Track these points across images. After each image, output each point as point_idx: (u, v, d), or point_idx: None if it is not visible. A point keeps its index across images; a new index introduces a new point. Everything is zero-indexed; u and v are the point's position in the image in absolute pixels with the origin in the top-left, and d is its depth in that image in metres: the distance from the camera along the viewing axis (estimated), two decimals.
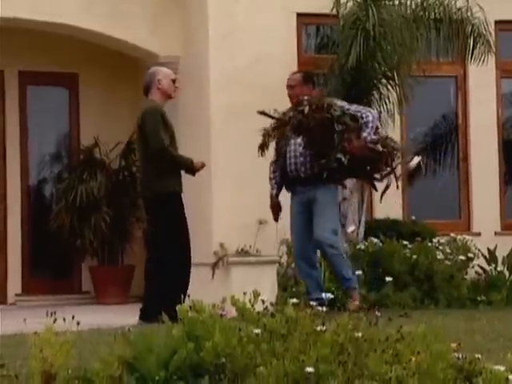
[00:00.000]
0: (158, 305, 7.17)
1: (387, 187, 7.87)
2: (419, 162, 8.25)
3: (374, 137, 7.39)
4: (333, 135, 7.36)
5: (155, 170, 7.40)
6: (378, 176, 7.72)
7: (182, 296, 7.13)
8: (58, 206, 10.71)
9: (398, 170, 7.85)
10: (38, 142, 11.15)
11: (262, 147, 7.83)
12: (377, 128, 7.51)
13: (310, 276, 7.89)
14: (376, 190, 8.05)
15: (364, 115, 7.40)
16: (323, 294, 6.72)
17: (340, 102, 7.63)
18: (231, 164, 9.48)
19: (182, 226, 7.43)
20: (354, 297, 7.68)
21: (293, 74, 8.17)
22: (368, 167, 7.64)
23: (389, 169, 7.61)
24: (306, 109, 7.44)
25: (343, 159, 7.28)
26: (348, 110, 7.47)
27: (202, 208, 8.85)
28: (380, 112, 9.29)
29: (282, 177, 7.97)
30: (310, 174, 7.64)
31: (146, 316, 7.22)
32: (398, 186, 8.27)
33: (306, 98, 7.66)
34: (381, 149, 7.36)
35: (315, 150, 7.51)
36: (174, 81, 7.70)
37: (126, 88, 10.85)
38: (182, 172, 7.53)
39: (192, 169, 7.52)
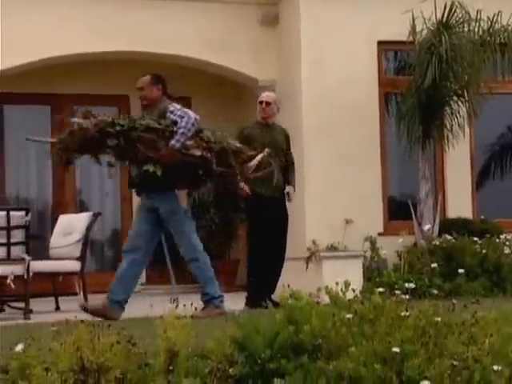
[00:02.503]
0: (258, 294, 7.27)
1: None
2: (267, 158, 6.98)
3: (188, 142, 6.29)
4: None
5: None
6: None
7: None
8: None
9: (247, 169, 6.68)
10: None
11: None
12: (196, 132, 6.36)
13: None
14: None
15: (179, 121, 6.31)
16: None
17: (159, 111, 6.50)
18: (321, 173, 9.45)
19: None
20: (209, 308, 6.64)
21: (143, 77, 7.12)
22: (200, 171, 6.52)
23: (224, 169, 6.48)
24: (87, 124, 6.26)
25: (152, 170, 6.19)
26: (170, 116, 6.36)
27: (296, 211, 8.83)
28: (451, 125, 9.19)
29: None
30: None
31: (250, 302, 7.29)
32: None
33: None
34: (199, 153, 6.31)
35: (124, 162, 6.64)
36: (260, 103, 7.65)
37: (231, 107, 10.92)
38: None
39: None
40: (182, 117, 6.34)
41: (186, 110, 6.52)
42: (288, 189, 7.60)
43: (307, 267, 8.59)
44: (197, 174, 6.56)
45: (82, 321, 3.70)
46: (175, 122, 6.32)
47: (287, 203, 7.71)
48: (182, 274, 11.04)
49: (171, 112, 6.41)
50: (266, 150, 6.97)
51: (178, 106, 6.49)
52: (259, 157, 6.77)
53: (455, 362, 3.36)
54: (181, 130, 6.28)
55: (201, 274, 6.77)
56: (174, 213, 6.55)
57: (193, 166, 6.40)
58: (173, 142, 6.26)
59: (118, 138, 6.24)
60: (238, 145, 6.66)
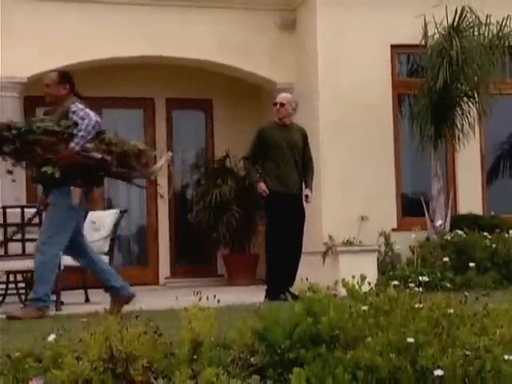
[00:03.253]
0: (277, 286, 7.27)
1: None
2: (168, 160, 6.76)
3: (88, 145, 6.02)
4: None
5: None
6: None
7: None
8: (198, 206, 10.83)
9: (151, 171, 6.55)
10: (182, 154, 11.31)
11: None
12: (97, 134, 6.13)
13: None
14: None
15: (80, 123, 6.05)
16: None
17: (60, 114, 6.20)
18: (337, 170, 9.45)
19: None
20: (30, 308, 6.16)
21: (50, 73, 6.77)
22: (100, 172, 6.31)
23: (125, 170, 6.29)
24: None
25: (50, 171, 5.96)
26: (72, 116, 6.09)
27: (313, 207, 8.82)
28: (462, 125, 9.13)
29: None
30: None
31: (269, 295, 7.30)
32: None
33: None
34: (99, 156, 6.07)
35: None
36: (274, 104, 7.60)
37: (250, 109, 10.94)
38: None
39: None
40: (83, 118, 6.08)
41: (89, 111, 6.18)
42: (306, 191, 7.57)
43: (324, 261, 8.60)
44: (96, 174, 6.34)
45: (111, 312, 3.72)
46: (76, 124, 6.08)
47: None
48: (207, 269, 11.12)
49: (73, 112, 6.15)
50: (170, 153, 6.93)
51: (81, 106, 6.19)
52: (163, 160, 6.66)
53: (467, 352, 3.33)
54: (81, 133, 6.03)
55: (38, 270, 6.24)
56: (56, 205, 6.23)
57: (92, 167, 6.18)
58: (72, 144, 6.01)
59: (14, 142, 6.05)
60: (142, 147, 6.44)
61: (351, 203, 9.32)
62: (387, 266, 8.73)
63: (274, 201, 7.44)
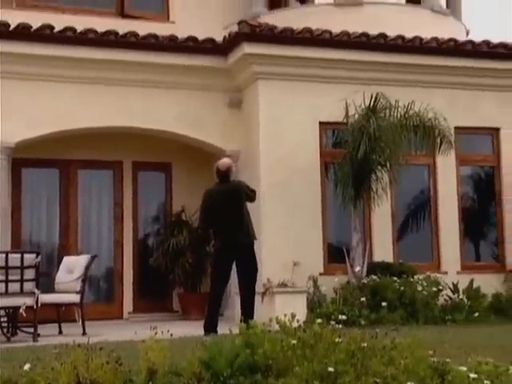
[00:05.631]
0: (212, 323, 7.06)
1: None
2: None
3: None
4: None
5: (251, 226, 7.27)
6: None
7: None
8: (157, 251, 10.70)
9: None
10: (144, 208, 11.22)
11: None
12: None
13: None
14: None
15: None
16: None
17: None
18: (276, 223, 9.44)
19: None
20: None
21: None
22: None
23: None
24: None
25: None
26: None
27: (256, 254, 8.81)
28: (377, 189, 9.21)
29: None
30: None
31: (204, 330, 7.07)
32: None
33: None
34: None
35: None
36: (216, 170, 7.38)
37: (203, 171, 10.82)
38: None
39: None
40: None
41: None
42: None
43: (263, 300, 8.53)
44: None
45: (79, 345, 3.64)
46: None
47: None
48: (164, 305, 10.95)
49: None
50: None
51: None
52: None
53: (377, 380, 3.35)
54: None
55: None
56: None
57: None
58: None
59: None
60: None
61: (286, 251, 9.31)
62: (315, 304, 8.70)
63: (220, 249, 7.31)
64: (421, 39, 10.12)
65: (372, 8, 10.81)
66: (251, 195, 7.44)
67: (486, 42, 10.44)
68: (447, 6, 12.18)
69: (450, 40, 10.31)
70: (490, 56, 10.38)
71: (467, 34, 12.10)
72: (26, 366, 3.49)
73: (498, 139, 10.61)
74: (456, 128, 10.04)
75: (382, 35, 9.93)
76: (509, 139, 10.58)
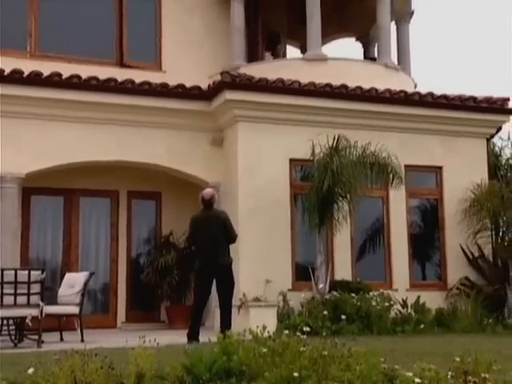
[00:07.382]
0: (194, 332, 7.00)
1: None
2: None
3: None
4: None
5: (228, 250, 7.26)
6: None
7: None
8: (148, 269, 10.62)
9: None
10: (137, 231, 11.16)
11: None
12: None
13: None
14: None
15: None
16: None
17: None
18: (251, 244, 9.43)
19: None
20: None
21: None
22: None
23: None
24: None
25: None
26: None
27: (234, 272, 8.81)
28: (338, 217, 9.23)
29: None
30: None
31: (188, 338, 7.02)
32: None
33: None
34: None
35: None
36: (201, 197, 7.42)
37: (189, 199, 10.82)
38: None
39: None
40: None
41: None
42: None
43: (239, 313, 8.51)
44: None
45: (77, 351, 3.62)
46: None
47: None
48: (153, 316, 10.85)
49: None
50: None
51: None
52: None
53: None
54: None
55: None
56: None
57: None
58: None
59: None
60: None
61: (260, 269, 9.31)
62: (284, 316, 8.69)
63: (200, 269, 7.30)
64: (376, 90, 10.31)
65: (335, 63, 10.99)
66: (231, 232, 7.32)
67: (431, 94, 10.65)
68: (398, 63, 12.42)
69: (401, 91, 10.52)
70: (434, 106, 10.59)
71: (415, 86, 12.32)
72: (30, 370, 3.46)
73: (441, 176, 10.79)
74: (406, 166, 10.18)
75: (344, 86, 10.10)
76: (450, 175, 10.78)
